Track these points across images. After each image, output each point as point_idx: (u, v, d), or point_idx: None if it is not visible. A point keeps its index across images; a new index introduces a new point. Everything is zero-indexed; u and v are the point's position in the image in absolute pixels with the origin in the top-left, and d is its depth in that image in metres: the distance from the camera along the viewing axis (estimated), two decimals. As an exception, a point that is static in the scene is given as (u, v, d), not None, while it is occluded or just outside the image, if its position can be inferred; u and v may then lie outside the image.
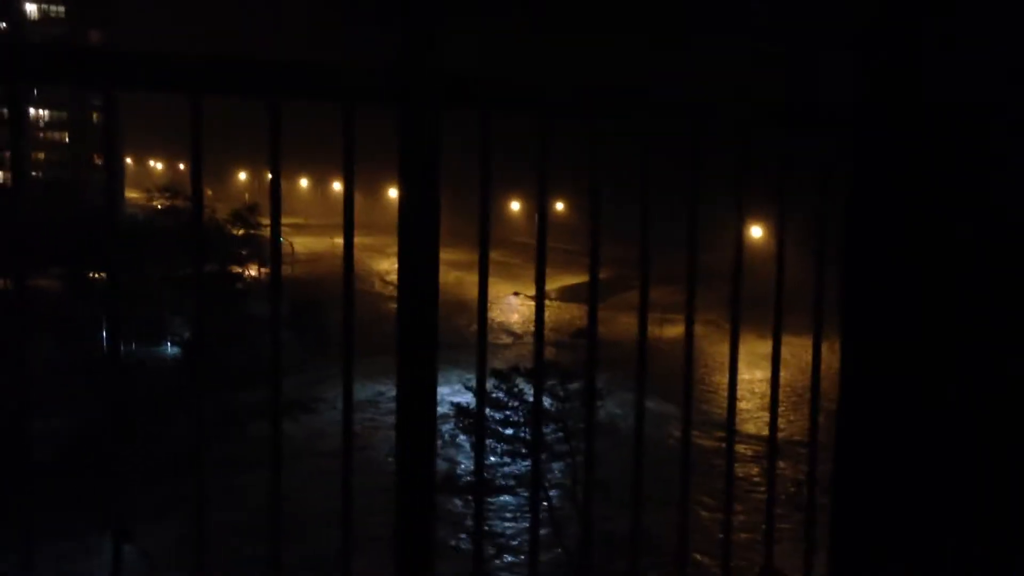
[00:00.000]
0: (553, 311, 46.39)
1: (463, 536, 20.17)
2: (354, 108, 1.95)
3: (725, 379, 2.50)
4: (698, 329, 2.44)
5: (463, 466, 24.46)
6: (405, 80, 1.94)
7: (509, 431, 24.64)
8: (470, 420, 23.42)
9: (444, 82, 1.96)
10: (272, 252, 2.04)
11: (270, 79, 1.88)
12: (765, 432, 2.67)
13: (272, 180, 2.00)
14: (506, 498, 25.20)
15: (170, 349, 36.45)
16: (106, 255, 2.12)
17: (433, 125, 1.98)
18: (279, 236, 2.02)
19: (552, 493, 24.14)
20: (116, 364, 2.11)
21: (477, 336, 2.20)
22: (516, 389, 24.81)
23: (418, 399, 2.05)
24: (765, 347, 2.72)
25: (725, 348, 2.44)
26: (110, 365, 2.09)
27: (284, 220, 2.02)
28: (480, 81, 2.05)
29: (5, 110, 1.84)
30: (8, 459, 1.89)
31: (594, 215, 2.22)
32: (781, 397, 2.62)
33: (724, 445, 2.55)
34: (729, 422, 2.54)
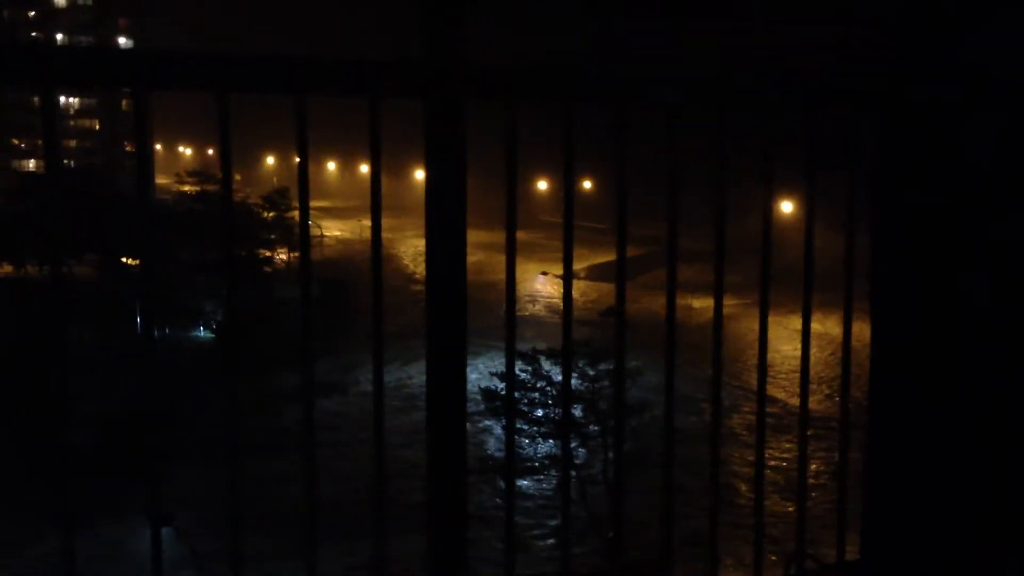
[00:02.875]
0: (581, 289, 46.33)
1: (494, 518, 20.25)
2: (379, 103, 1.97)
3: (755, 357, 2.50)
4: (729, 306, 2.43)
5: (494, 449, 24.53)
6: (428, 74, 1.95)
7: (538, 412, 24.66)
8: (497, 403, 23.41)
9: (467, 75, 1.97)
10: (302, 246, 2.07)
11: (296, 76, 1.90)
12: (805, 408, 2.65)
13: (300, 172, 2.03)
14: (526, 482, 25.28)
15: (203, 332, 36.81)
16: (139, 243, 2.15)
17: (457, 118, 1.99)
18: (308, 226, 2.04)
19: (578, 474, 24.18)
20: (151, 351, 2.13)
21: (506, 330, 2.22)
22: (543, 371, 24.80)
23: (448, 384, 2.07)
24: (796, 322, 2.71)
25: (756, 324, 2.43)
26: (145, 351, 2.12)
27: (312, 204, 2.04)
28: (503, 72, 2.05)
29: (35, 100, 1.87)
30: (48, 443, 1.93)
31: (620, 201, 2.22)
32: (819, 376, 2.61)
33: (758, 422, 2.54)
34: (760, 411, 2.53)
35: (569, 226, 2.22)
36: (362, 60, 1.94)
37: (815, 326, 2.56)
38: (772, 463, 24.34)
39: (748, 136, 2.34)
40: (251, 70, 1.88)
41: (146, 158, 1.92)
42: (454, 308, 2.05)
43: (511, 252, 2.14)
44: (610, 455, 24.27)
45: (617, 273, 2.29)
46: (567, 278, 2.24)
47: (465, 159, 2.02)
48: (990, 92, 2.21)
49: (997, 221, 2.23)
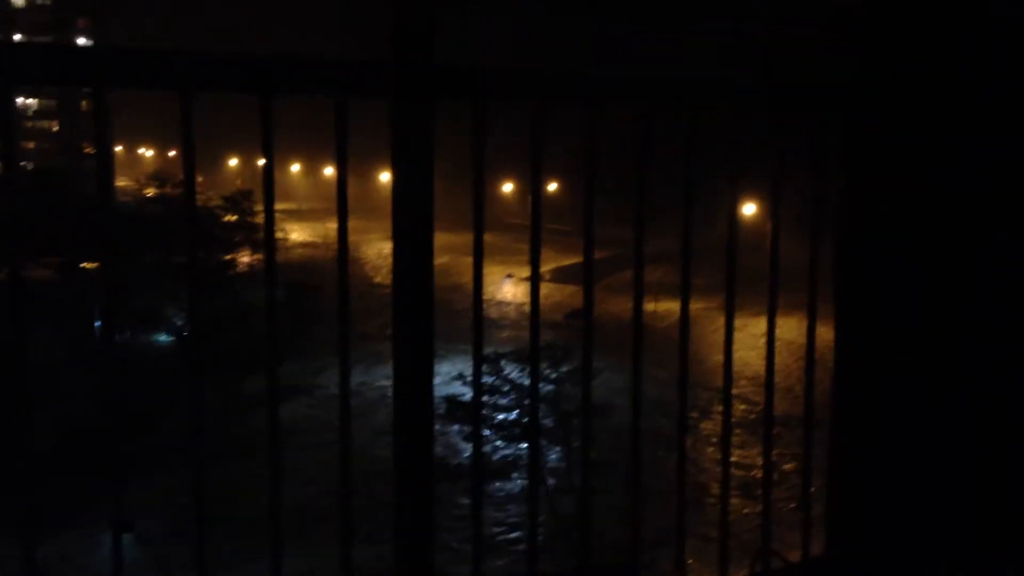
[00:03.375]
0: (547, 292, 46.38)
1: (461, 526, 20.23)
2: (347, 102, 1.94)
3: (721, 358, 2.51)
4: (693, 309, 2.44)
5: (461, 454, 24.47)
6: (397, 74, 1.94)
7: (501, 416, 24.63)
8: (461, 410, 23.36)
9: (435, 75, 1.96)
10: (266, 244, 2.04)
11: (261, 74, 1.87)
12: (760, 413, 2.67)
13: (265, 172, 2.00)
14: (499, 484, 25.25)
15: (165, 337, 36.41)
16: (101, 246, 2.11)
17: (425, 119, 1.98)
18: (273, 226, 2.02)
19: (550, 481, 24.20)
20: (113, 355, 2.10)
21: (473, 335, 2.21)
22: (506, 374, 24.79)
23: (415, 388, 2.05)
24: (759, 327, 2.72)
25: (721, 324, 2.44)
26: (106, 356, 2.08)
27: (276, 206, 2.02)
28: (471, 73, 2.04)
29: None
30: (8, 449, 1.89)
31: (587, 205, 2.21)
32: (787, 386, 2.63)
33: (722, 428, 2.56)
34: (725, 417, 2.54)
35: (536, 230, 2.21)
36: (330, 59, 1.92)
37: (781, 332, 2.58)
38: (740, 461, 24.51)
39: (717, 137, 2.35)
40: (216, 68, 1.85)
41: (107, 158, 1.88)
42: (421, 311, 2.04)
43: (478, 256, 2.13)
44: (572, 459, 24.33)
45: (585, 281, 2.29)
46: (534, 286, 2.24)
47: (432, 160, 2.00)
48: (959, 90, 2.24)
49: (965, 222, 2.25)
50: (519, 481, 25.36)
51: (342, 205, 2.00)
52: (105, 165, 1.94)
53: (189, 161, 1.90)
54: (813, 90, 2.42)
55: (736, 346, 2.54)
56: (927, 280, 2.30)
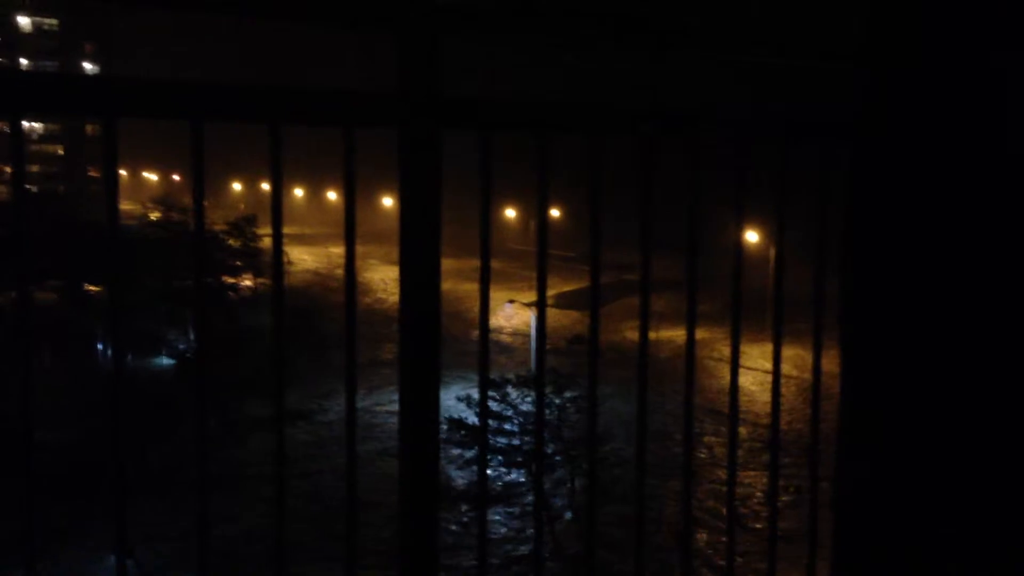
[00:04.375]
0: (550, 317, 46.39)
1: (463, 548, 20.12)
2: (353, 132, 1.96)
3: (725, 385, 2.50)
4: (697, 338, 2.44)
5: (459, 480, 24.38)
6: (404, 104, 1.96)
7: (503, 440, 24.59)
8: (463, 433, 23.34)
9: (443, 105, 1.98)
10: (275, 272, 2.05)
11: (270, 104, 1.89)
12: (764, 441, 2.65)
13: (273, 201, 2.02)
14: (499, 509, 25.17)
15: (165, 361, 36.41)
16: (107, 271, 2.12)
17: (433, 148, 2.00)
18: (281, 254, 2.03)
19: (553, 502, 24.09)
20: (118, 381, 2.10)
21: (479, 362, 2.21)
22: (510, 399, 24.81)
23: (421, 413, 2.06)
24: (755, 354, 2.71)
25: (729, 348, 2.44)
26: (110, 381, 2.08)
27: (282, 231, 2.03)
28: (479, 103, 2.06)
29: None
30: (11, 470, 1.89)
31: (594, 231, 2.22)
32: (794, 432, 2.62)
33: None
34: (731, 454, 2.53)
35: (543, 258, 2.22)
36: (338, 90, 1.94)
37: (785, 367, 2.58)
38: (745, 488, 24.41)
39: (723, 167, 2.36)
40: (226, 99, 1.87)
41: (115, 185, 1.90)
42: (428, 339, 2.05)
43: (485, 284, 2.14)
44: (575, 485, 24.24)
45: (591, 311, 2.29)
46: (540, 317, 2.24)
47: (440, 189, 2.02)
48: (970, 117, 2.25)
49: (975, 253, 2.26)
50: (517, 509, 25.25)
51: (350, 234, 2.01)
52: (113, 192, 1.94)
53: (198, 189, 1.92)
54: (819, 115, 2.44)
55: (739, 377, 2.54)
56: (935, 308, 2.30)
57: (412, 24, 1.95)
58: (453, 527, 21.43)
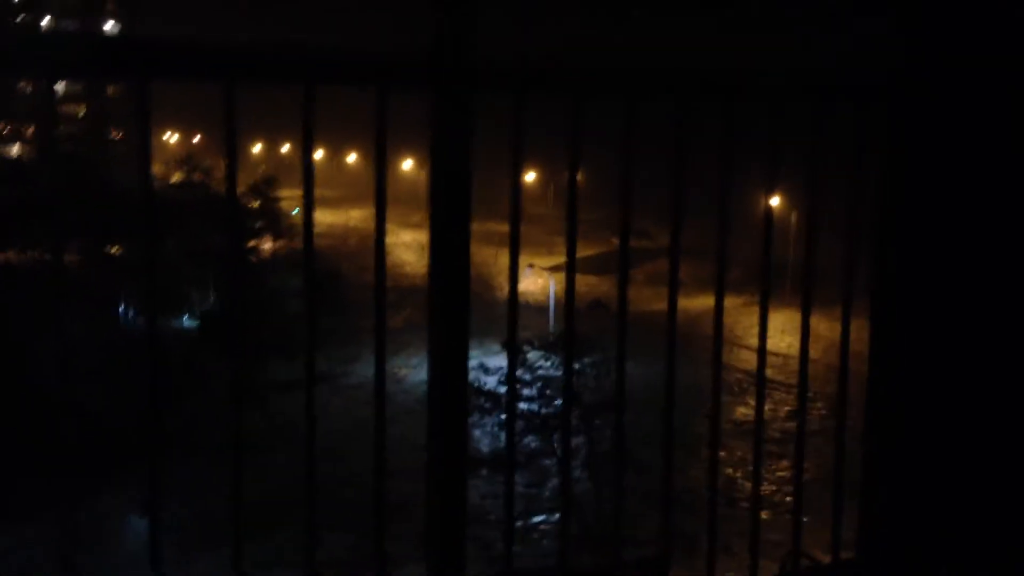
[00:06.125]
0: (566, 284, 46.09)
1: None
2: (388, 93, 1.94)
3: (746, 351, 2.48)
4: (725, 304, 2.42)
5: (482, 445, 24.49)
6: (439, 65, 1.93)
7: (522, 406, 24.69)
8: (483, 400, 23.46)
9: (478, 67, 1.96)
10: (305, 237, 2.05)
11: (305, 64, 1.88)
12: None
13: (305, 163, 2.02)
14: (519, 474, 25.29)
15: (188, 321, 36.68)
16: (141, 233, 2.14)
17: (466, 111, 1.98)
18: (312, 218, 2.02)
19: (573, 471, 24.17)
20: (154, 342, 2.11)
21: (508, 335, 2.22)
22: (528, 363, 24.86)
23: (449, 375, 2.06)
24: (779, 320, 2.69)
25: (750, 318, 2.42)
26: (145, 344, 2.10)
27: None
28: (513, 65, 2.04)
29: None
30: (45, 431, 1.91)
31: (624, 200, 2.20)
32: (817, 391, 2.60)
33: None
34: (757, 426, 2.52)
35: (572, 226, 2.20)
36: (371, 51, 1.93)
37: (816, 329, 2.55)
38: (770, 465, 24.41)
39: (753, 130, 2.32)
40: (259, 60, 1.86)
41: (148, 150, 1.89)
42: (457, 302, 2.04)
43: (514, 256, 2.13)
44: (594, 450, 24.34)
45: (620, 289, 2.27)
46: (570, 284, 2.22)
47: (470, 153, 2.00)
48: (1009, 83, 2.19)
49: (1013, 223, 2.21)
50: (536, 475, 25.37)
51: (381, 199, 2.00)
52: (146, 156, 1.93)
53: (231, 151, 1.91)
54: (852, 78, 2.39)
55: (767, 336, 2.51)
56: (970, 281, 2.26)
57: None
58: (475, 496, 21.54)
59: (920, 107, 2.28)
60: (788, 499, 2.80)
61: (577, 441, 24.61)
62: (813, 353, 2.59)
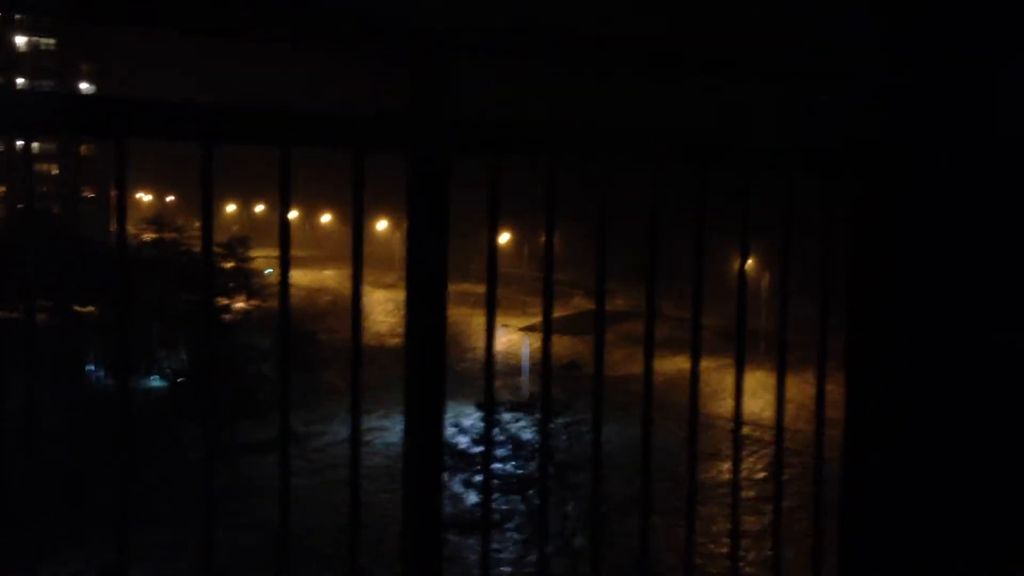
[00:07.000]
0: (541, 343, 46.07)
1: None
2: (363, 156, 1.95)
3: (722, 409, 2.48)
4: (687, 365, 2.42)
5: (449, 505, 24.22)
6: (415, 129, 1.94)
7: (496, 466, 24.48)
8: (455, 458, 23.31)
9: (454, 130, 1.97)
10: (281, 294, 2.04)
11: (282, 127, 1.88)
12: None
13: (281, 224, 2.01)
14: (474, 540, 24.94)
15: (157, 382, 36.20)
16: (115, 292, 2.10)
17: (443, 174, 1.98)
18: (288, 276, 2.01)
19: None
20: (125, 401, 2.08)
21: (485, 392, 2.20)
22: (502, 423, 24.74)
23: (425, 436, 2.04)
24: (752, 379, 2.69)
25: (721, 377, 2.42)
26: (119, 401, 2.07)
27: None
28: (490, 128, 2.05)
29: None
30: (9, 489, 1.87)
31: (600, 254, 2.20)
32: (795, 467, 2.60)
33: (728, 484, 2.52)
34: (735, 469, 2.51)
35: (548, 285, 2.20)
36: (349, 113, 1.93)
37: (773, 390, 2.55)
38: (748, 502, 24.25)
39: (726, 194, 2.34)
40: (237, 121, 1.86)
41: (124, 205, 1.88)
42: (433, 363, 2.02)
43: (491, 315, 2.12)
44: (567, 509, 24.10)
45: (596, 343, 2.27)
46: (546, 343, 2.22)
47: (448, 215, 2.00)
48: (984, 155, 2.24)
49: (983, 290, 2.24)
50: (512, 535, 25.06)
51: (357, 259, 1.99)
52: (123, 212, 1.92)
53: (207, 211, 1.90)
54: (831, 154, 2.43)
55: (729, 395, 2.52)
56: (941, 342, 2.28)
57: (425, 51, 1.94)
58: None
59: (892, 176, 2.32)
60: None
61: (552, 501, 24.41)
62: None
